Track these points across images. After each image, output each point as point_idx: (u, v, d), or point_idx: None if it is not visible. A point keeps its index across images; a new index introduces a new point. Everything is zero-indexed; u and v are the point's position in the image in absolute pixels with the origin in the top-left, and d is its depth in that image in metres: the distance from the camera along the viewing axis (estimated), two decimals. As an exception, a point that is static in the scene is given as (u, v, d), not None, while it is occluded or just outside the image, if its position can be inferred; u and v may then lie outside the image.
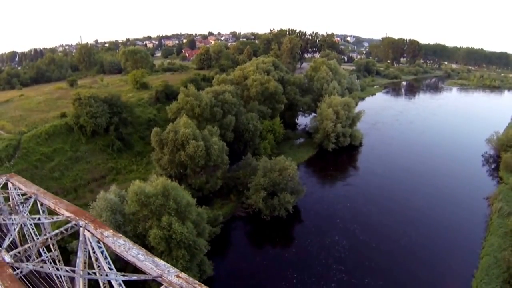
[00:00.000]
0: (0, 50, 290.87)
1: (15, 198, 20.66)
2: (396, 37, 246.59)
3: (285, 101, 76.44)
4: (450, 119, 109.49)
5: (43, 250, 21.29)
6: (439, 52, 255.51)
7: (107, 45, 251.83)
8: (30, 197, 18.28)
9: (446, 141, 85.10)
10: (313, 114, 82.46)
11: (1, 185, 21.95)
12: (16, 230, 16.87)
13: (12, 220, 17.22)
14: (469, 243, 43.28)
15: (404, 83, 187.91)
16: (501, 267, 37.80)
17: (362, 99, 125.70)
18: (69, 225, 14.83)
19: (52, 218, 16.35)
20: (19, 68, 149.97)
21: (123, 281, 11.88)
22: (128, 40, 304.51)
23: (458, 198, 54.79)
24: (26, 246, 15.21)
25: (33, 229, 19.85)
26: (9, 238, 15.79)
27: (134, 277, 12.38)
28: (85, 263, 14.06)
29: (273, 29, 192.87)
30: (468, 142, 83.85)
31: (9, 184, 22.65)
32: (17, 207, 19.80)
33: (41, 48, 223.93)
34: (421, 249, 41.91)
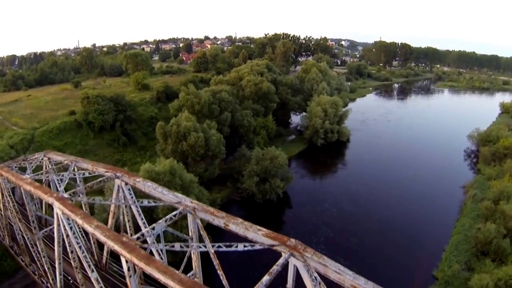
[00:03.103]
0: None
1: (56, 167, 25.66)
2: (390, 40, 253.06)
3: (277, 100, 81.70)
4: (437, 117, 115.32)
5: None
6: (430, 55, 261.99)
7: (105, 49, 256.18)
8: (71, 162, 23.29)
9: (432, 136, 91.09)
10: (304, 113, 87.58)
11: (41, 158, 26.96)
12: (66, 181, 21.89)
13: (61, 176, 22.26)
14: (443, 223, 48.71)
15: (396, 85, 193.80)
16: (470, 243, 42.62)
17: (353, 100, 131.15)
18: (108, 175, 19.91)
19: (94, 173, 21.43)
20: (20, 71, 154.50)
21: (150, 207, 16.58)
22: (125, 44, 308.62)
23: (439, 186, 60.29)
24: (77, 188, 20.26)
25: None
26: (63, 185, 20.92)
27: (161, 203, 17.62)
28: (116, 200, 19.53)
29: (268, 34, 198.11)
30: (453, 138, 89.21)
31: (45, 159, 27.72)
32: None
33: (40, 52, 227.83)
34: (400, 223, 48.19)
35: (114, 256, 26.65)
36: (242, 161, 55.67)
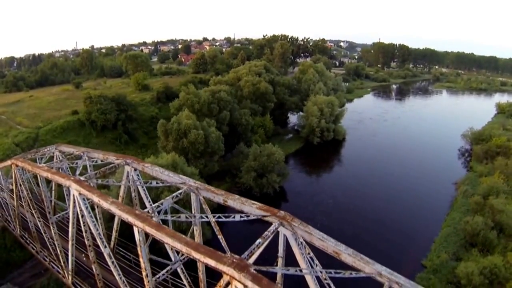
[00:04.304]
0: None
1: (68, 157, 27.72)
2: (389, 42, 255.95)
3: (275, 100, 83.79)
4: (434, 117, 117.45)
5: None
6: (429, 57, 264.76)
7: (103, 50, 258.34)
8: (83, 153, 25.37)
9: (428, 136, 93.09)
10: (301, 112, 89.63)
11: (53, 150, 28.97)
12: (80, 168, 23.99)
13: (74, 164, 24.41)
14: (434, 217, 50.62)
15: (393, 86, 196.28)
16: (459, 235, 44.67)
17: (350, 100, 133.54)
18: (118, 162, 21.98)
19: (106, 160, 23.48)
20: (19, 72, 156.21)
21: (158, 187, 18.41)
22: (124, 45, 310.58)
23: (432, 183, 62.24)
24: (91, 173, 22.36)
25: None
26: (78, 170, 23.03)
27: (168, 183, 19.81)
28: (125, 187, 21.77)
29: (266, 35, 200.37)
30: (448, 137, 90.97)
31: (57, 152, 29.73)
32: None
33: (39, 54, 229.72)
34: (392, 216, 50.18)
35: (121, 243, 28.81)
36: (240, 157, 57.92)
